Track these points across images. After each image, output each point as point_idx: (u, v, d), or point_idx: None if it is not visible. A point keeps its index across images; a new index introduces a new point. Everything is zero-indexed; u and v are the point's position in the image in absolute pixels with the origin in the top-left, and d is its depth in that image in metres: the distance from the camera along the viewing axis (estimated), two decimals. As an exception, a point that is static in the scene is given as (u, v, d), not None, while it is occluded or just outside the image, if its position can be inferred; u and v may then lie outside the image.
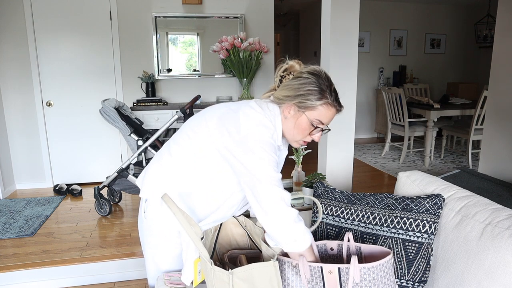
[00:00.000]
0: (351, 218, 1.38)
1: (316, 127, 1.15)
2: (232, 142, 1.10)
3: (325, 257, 1.24)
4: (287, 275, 1.12)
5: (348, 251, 1.20)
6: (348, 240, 1.20)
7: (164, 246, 1.28)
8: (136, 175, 3.04)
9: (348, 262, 1.19)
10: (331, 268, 1.03)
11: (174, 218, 1.21)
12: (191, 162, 1.18)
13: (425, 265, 1.24)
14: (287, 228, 1.05)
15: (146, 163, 3.08)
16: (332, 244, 1.22)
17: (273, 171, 1.07)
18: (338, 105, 1.17)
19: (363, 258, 1.17)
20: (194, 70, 4.24)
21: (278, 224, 1.05)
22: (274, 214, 1.05)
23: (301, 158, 2.21)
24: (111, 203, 3.33)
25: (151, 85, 3.97)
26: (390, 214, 1.31)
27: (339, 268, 1.02)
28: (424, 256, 1.24)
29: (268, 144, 1.10)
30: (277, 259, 1.12)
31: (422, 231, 1.25)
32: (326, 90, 1.13)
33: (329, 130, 1.20)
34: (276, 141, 1.16)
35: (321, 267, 1.04)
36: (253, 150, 1.08)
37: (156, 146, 3.10)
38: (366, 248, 1.16)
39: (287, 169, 2.12)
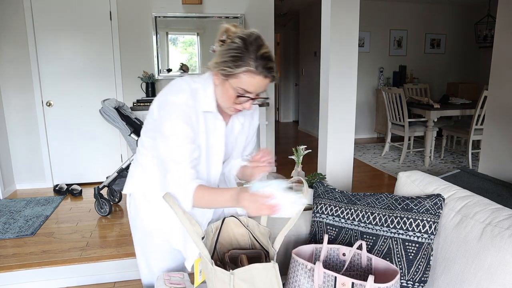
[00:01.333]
0: (351, 218, 1.38)
1: (242, 96, 1.07)
2: (156, 111, 1.12)
3: (336, 262, 1.25)
4: (299, 277, 1.13)
5: (359, 260, 1.20)
6: (361, 249, 1.20)
7: (150, 241, 1.31)
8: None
9: (359, 271, 1.20)
10: (345, 281, 1.03)
11: (156, 213, 1.24)
12: (152, 152, 1.20)
13: (425, 265, 1.24)
14: (170, 179, 1.08)
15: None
16: (345, 250, 1.23)
17: (176, 134, 1.05)
18: (266, 72, 1.04)
19: (372, 271, 1.18)
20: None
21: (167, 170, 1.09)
22: (167, 166, 1.09)
23: (301, 158, 2.21)
24: (111, 203, 3.33)
25: (151, 85, 3.97)
26: (390, 214, 1.31)
27: (353, 283, 1.02)
28: (424, 256, 1.24)
29: (177, 107, 1.06)
30: (291, 260, 1.12)
31: (422, 231, 1.25)
32: (251, 56, 1.02)
33: (266, 99, 1.15)
34: (200, 107, 1.11)
35: (335, 277, 1.04)
36: (162, 113, 1.08)
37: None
38: (376, 261, 1.16)
39: (287, 169, 2.12)
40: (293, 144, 2.53)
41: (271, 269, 1.01)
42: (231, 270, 1.00)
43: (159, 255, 1.32)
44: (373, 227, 1.33)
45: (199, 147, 1.12)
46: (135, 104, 3.85)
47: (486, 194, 1.87)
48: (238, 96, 1.08)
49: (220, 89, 1.11)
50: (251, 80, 1.04)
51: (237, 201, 1.02)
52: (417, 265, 1.24)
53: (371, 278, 0.99)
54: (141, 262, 1.37)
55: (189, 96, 1.08)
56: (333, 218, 1.42)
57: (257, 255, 1.23)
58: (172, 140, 1.06)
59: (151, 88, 3.98)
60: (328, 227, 1.42)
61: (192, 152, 1.09)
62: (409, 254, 1.25)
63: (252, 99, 1.09)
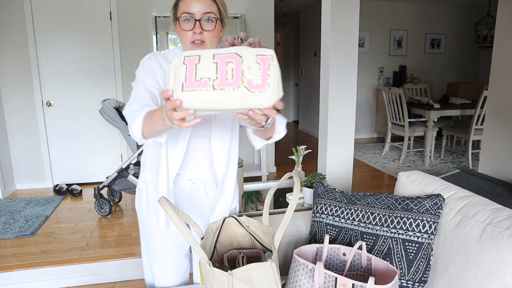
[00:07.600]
0: (351, 218, 1.38)
1: (187, 20, 1.14)
2: None
3: (336, 262, 1.25)
4: (300, 277, 1.13)
5: (359, 260, 1.20)
6: (361, 249, 1.20)
7: (143, 236, 1.36)
8: (136, 175, 3.03)
9: (359, 271, 1.20)
10: (345, 282, 1.03)
11: (146, 207, 1.29)
12: None
13: (425, 265, 1.24)
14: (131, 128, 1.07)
15: (146, 163, 3.08)
16: (345, 250, 1.23)
17: (137, 83, 1.19)
18: None
19: (372, 271, 1.18)
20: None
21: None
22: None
23: (301, 158, 2.21)
24: (111, 203, 3.33)
25: (151, 85, 3.97)
26: (390, 214, 1.31)
27: (353, 284, 1.02)
28: (424, 256, 1.24)
29: (141, 63, 1.25)
30: (292, 260, 1.12)
31: (422, 231, 1.25)
32: None
33: (198, 20, 1.13)
34: (170, 59, 1.23)
35: (336, 278, 1.04)
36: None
37: (156, 146, 3.09)
38: (376, 261, 1.17)
39: (287, 169, 2.12)
40: (293, 144, 2.52)
41: (268, 268, 1.01)
42: (229, 271, 0.99)
43: (160, 255, 1.33)
44: (373, 227, 1.33)
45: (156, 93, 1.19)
46: (135, 104, 3.85)
47: (486, 194, 1.88)
48: (186, 24, 1.14)
49: (179, 36, 1.19)
50: (185, 2, 1.14)
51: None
52: (417, 265, 1.24)
53: (371, 279, 0.99)
54: (144, 261, 1.40)
55: (152, 55, 1.25)
56: (333, 218, 1.42)
57: (257, 254, 1.23)
58: (135, 84, 1.20)
59: (151, 88, 3.97)
60: (328, 227, 1.42)
61: (147, 92, 1.16)
62: (409, 254, 1.25)
63: (198, 20, 1.13)
